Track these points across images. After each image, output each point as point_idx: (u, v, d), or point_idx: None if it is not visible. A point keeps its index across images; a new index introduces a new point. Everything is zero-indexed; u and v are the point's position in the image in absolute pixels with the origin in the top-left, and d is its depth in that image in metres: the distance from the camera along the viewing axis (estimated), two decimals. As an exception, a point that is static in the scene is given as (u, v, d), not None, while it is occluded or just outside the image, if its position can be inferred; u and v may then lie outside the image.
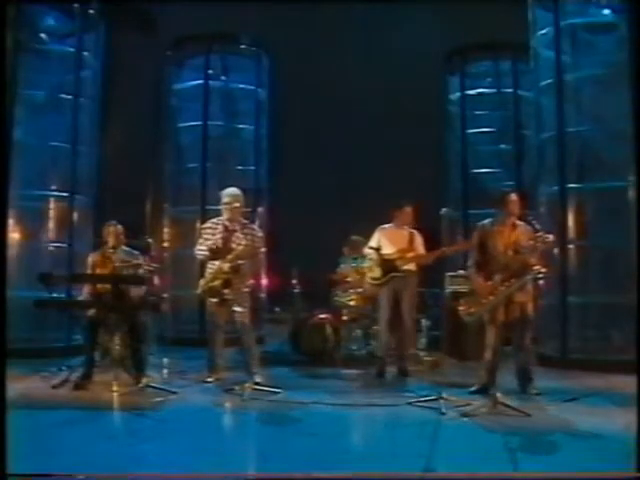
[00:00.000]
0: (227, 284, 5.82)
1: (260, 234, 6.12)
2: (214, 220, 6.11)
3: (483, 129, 9.63)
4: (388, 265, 6.43)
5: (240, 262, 5.80)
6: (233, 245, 5.82)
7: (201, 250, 5.98)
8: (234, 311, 5.87)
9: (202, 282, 6.01)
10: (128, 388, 5.54)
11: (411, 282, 6.49)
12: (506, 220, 5.51)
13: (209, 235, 6.00)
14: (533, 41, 7.82)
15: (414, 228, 6.57)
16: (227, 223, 5.95)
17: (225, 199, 5.97)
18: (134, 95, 9.81)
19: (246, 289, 6.02)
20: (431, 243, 6.55)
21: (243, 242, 5.78)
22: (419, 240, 6.55)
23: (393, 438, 4.55)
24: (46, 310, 6.61)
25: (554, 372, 6.65)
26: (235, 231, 5.90)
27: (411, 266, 6.45)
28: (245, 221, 6.10)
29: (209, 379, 6.08)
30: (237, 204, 5.95)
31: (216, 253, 5.86)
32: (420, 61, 9.80)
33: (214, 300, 6.01)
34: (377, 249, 6.53)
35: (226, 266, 5.77)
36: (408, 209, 6.54)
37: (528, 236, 5.35)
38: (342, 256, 7.74)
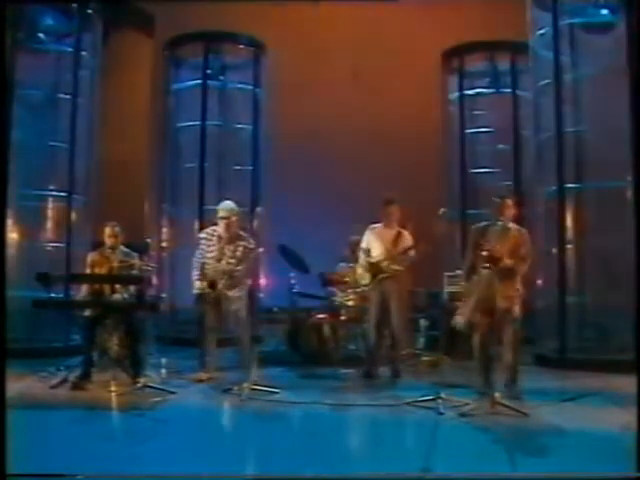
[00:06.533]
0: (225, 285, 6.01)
1: (252, 245, 6.31)
2: (208, 230, 6.34)
3: (482, 129, 9.62)
4: (374, 268, 6.41)
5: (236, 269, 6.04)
6: (225, 255, 6.08)
7: (195, 275, 6.18)
8: (229, 305, 5.97)
9: (199, 284, 6.14)
10: (126, 388, 5.53)
11: (399, 282, 6.41)
12: (499, 224, 5.52)
13: (204, 246, 6.22)
14: (531, 41, 7.83)
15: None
16: (222, 235, 6.15)
17: (222, 213, 6.15)
18: (132, 95, 9.81)
19: (243, 285, 6.16)
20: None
21: (235, 254, 6.07)
22: (406, 238, 6.47)
23: (392, 438, 4.55)
24: (44, 310, 6.59)
25: (553, 372, 6.66)
26: (229, 242, 6.11)
27: (398, 266, 6.39)
28: (240, 232, 6.27)
29: (202, 377, 6.11)
30: (234, 218, 6.17)
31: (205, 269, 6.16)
32: (419, 60, 9.80)
33: (210, 299, 6.08)
34: (367, 250, 6.52)
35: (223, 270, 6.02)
36: (393, 207, 6.47)
37: (519, 239, 5.41)
38: (343, 256, 7.71)
